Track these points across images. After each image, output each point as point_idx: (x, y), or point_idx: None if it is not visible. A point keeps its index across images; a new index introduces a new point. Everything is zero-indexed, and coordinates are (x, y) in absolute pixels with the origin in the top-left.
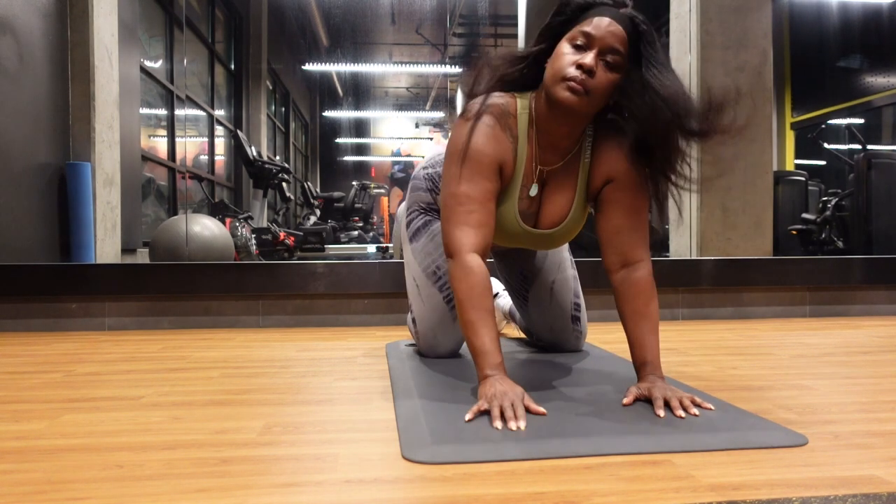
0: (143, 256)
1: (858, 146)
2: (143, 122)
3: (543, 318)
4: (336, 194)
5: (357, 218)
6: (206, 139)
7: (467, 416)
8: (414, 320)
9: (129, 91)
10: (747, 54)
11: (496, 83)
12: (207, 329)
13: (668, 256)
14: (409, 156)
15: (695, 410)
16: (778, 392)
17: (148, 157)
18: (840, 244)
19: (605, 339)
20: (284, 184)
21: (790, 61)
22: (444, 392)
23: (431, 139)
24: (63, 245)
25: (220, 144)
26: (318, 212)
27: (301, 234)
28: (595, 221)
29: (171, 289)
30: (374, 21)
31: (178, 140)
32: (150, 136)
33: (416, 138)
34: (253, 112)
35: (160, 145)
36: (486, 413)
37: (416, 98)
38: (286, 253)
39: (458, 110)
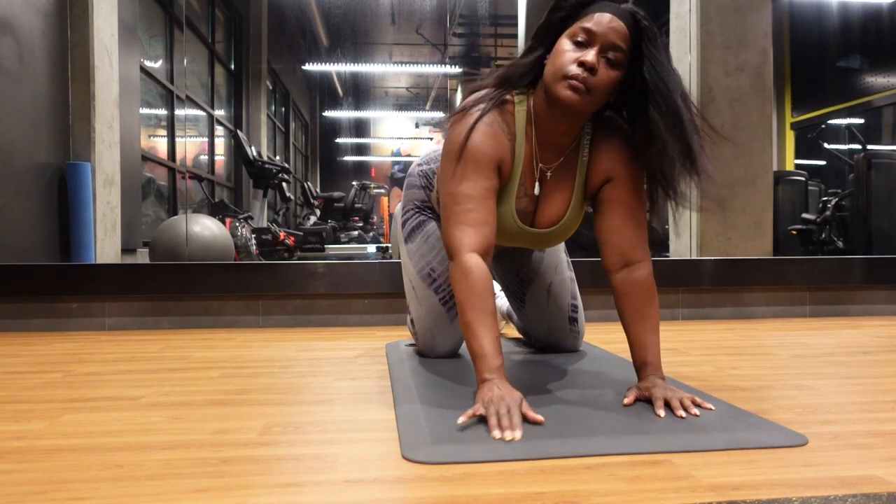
0: (143, 256)
1: (858, 146)
2: (143, 122)
3: (541, 319)
4: (336, 194)
5: (357, 218)
6: (206, 139)
7: (460, 420)
8: (412, 321)
9: (129, 91)
10: (747, 54)
11: (496, 81)
12: (207, 329)
13: (668, 256)
14: (409, 156)
15: (695, 410)
16: (778, 392)
17: (148, 157)
18: (840, 244)
19: (605, 339)
20: (284, 184)
21: (790, 61)
22: (445, 392)
23: (431, 139)
24: (63, 245)
25: (220, 144)
26: (318, 212)
27: (301, 234)
28: (594, 221)
29: (171, 289)
30: (374, 21)
31: (178, 140)
32: (150, 136)
33: (416, 138)
34: (253, 112)
35: (160, 145)
36: (482, 418)
37: (416, 98)
38: (286, 253)
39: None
